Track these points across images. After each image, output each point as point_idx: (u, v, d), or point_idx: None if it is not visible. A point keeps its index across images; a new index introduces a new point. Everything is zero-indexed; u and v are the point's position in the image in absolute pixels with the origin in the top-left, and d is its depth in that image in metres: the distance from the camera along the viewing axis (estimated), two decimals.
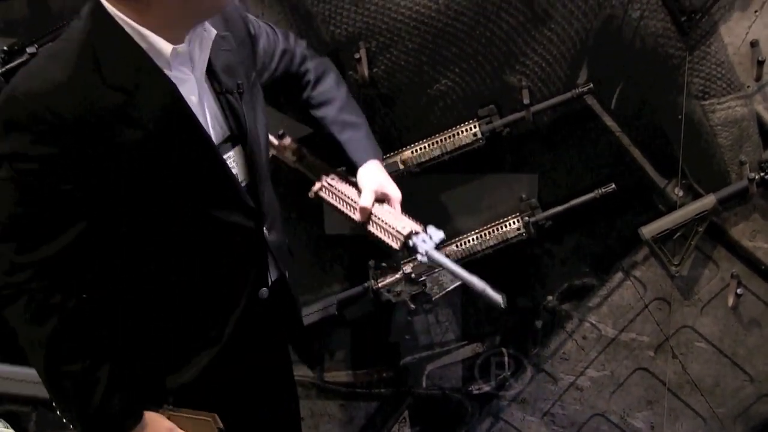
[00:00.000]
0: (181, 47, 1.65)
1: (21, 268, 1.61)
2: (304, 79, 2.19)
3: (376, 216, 2.05)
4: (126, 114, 1.57)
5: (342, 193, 2.15)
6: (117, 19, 1.58)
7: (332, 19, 2.54)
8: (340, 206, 2.16)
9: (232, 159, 1.81)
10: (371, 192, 2.06)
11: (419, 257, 1.90)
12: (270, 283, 1.97)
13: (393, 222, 2.00)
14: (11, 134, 1.54)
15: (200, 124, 1.69)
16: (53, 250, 1.60)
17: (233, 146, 1.82)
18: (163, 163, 1.64)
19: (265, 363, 2.06)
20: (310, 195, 2.21)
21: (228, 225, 1.79)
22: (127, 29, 1.59)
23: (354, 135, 2.16)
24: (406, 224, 1.97)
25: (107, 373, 1.71)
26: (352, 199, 2.12)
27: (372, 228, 2.06)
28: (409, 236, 1.92)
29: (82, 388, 1.70)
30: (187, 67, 1.69)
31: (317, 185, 2.20)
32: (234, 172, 1.80)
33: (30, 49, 2.37)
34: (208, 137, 1.72)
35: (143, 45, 1.60)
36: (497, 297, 1.83)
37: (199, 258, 1.79)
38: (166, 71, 1.64)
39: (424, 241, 1.89)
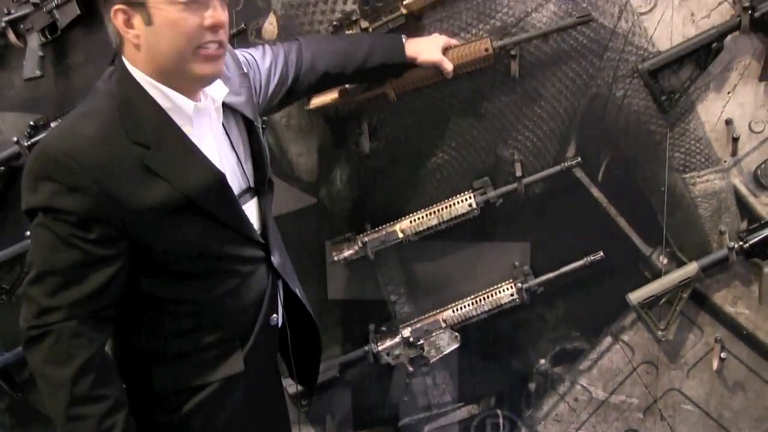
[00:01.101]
0: (202, 103, 1.72)
1: (50, 310, 1.61)
2: (317, 71, 2.23)
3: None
4: (149, 168, 1.62)
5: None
6: (140, 80, 1.66)
7: None
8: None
9: (251, 208, 1.87)
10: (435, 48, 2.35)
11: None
12: (281, 309, 1.99)
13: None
14: (44, 187, 1.58)
15: (221, 176, 1.72)
16: (83, 293, 1.61)
17: (251, 197, 1.89)
18: (184, 214, 1.67)
19: (267, 392, 2.05)
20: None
21: (241, 260, 1.82)
22: (149, 90, 1.66)
23: (372, 48, 2.29)
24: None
25: (124, 417, 1.69)
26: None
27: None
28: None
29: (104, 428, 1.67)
30: (206, 122, 1.75)
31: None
32: (251, 221, 1.85)
33: (54, 124, 2.43)
34: (230, 190, 1.76)
35: (165, 104, 1.67)
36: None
37: (214, 289, 1.79)
38: (187, 128, 1.70)
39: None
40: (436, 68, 2.37)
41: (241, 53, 2.06)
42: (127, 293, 1.72)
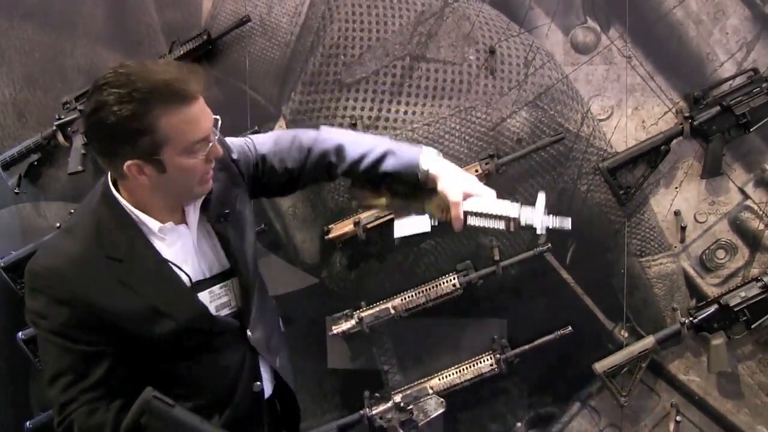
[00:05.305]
0: (169, 224, 1.63)
1: (67, 404, 1.58)
2: (325, 160, 1.82)
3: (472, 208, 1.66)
4: (121, 280, 1.57)
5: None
6: (121, 202, 1.59)
7: (336, 189, 2.65)
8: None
9: (228, 288, 1.75)
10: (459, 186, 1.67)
11: (539, 230, 1.61)
12: (266, 378, 1.86)
13: (493, 207, 1.64)
14: (36, 298, 1.56)
15: (182, 281, 1.65)
16: (90, 383, 1.58)
17: (229, 277, 1.76)
18: (153, 322, 1.61)
19: None
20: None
21: (211, 341, 1.73)
22: (128, 210, 1.59)
23: (395, 152, 1.75)
24: (506, 205, 1.64)
25: None
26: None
27: (472, 220, 1.65)
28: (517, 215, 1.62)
29: None
30: (182, 226, 1.67)
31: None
32: (227, 299, 1.74)
33: None
34: (199, 303, 1.68)
35: (137, 221, 1.60)
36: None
37: (187, 362, 1.71)
38: (158, 240, 1.62)
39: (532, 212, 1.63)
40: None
41: (243, 140, 1.86)
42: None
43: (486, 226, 1.65)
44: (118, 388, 1.61)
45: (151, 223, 1.61)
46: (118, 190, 1.61)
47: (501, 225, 1.64)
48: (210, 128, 1.55)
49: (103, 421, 1.58)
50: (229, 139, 1.81)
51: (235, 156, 1.79)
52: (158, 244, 1.63)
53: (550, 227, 1.61)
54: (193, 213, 1.69)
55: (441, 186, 1.68)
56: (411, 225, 1.80)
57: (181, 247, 1.67)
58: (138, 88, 1.45)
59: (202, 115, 1.53)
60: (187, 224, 1.69)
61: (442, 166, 1.71)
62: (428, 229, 1.80)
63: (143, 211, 1.60)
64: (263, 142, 1.87)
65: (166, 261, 1.63)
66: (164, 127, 1.47)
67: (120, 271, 1.57)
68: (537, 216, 1.61)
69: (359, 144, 1.79)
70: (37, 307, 1.57)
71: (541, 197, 1.62)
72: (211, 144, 1.55)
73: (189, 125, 1.50)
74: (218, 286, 1.74)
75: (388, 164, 1.74)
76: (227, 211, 1.73)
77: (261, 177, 1.85)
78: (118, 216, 1.59)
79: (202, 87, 1.52)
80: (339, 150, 1.80)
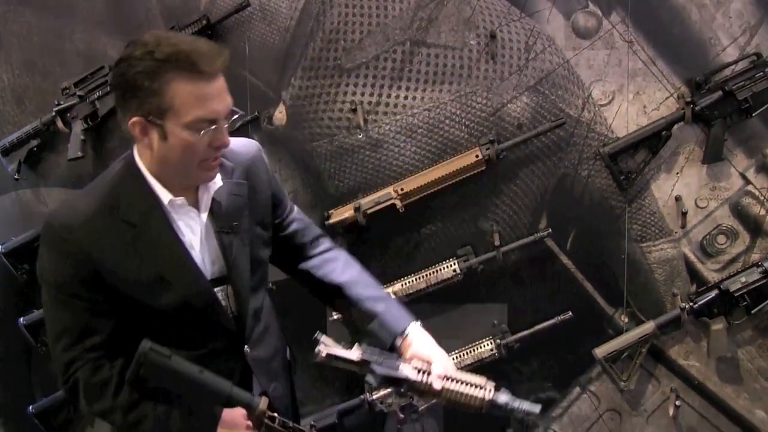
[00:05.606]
0: (180, 200, 1.62)
1: (71, 362, 1.60)
2: (327, 267, 1.88)
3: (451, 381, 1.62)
4: (132, 246, 1.58)
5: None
6: (142, 170, 1.60)
7: (336, 175, 2.63)
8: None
9: (224, 293, 1.71)
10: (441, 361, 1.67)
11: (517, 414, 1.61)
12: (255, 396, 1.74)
13: (469, 383, 1.62)
14: (47, 252, 1.59)
15: (193, 260, 1.65)
16: (93, 343, 1.60)
17: (226, 283, 1.72)
18: (157, 291, 1.61)
19: None
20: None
21: (208, 340, 1.70)
22: (148, 179, 1.60)
23: (389, 305, 1.79)
24: (480, 381, 1.61)
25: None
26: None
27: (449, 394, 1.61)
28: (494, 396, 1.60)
29: (161, 413, 1.61)
30: (194, 211, 1.66)
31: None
32: (225, 304, 1.71)
33: None
34: (200, 273, 1.66)
35: (155, 190, 1.61)
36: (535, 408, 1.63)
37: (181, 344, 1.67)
38: (174, 214, 1.63)
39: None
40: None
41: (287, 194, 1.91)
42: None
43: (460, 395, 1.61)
44: (122, 349, 1.62)
45: (163, 194, 1.61)
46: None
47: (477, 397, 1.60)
48: (221, 113, 1.54)
49: (108, 377, 1.60)
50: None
51: (274, 190, 1.84)
52: (172, 219, 1.64)
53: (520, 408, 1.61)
54: (204, 206, 1.69)
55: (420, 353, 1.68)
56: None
57: (192, 232, 1.67)
58: (161, 49, 1.48)
59: (215, 96, 1.53)
60: (198, 212, 1.68)
61: (421, 340, 1.73)
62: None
63: (159, 182, 1.61)
64: (300, 218, 1.93)
65: (176, 233, 1.64)
66: (173, 93, 1.48)
67: (132, 235, 1.59)
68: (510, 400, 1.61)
69: (367, 277, 1.86)
70: (47, 261, 1.59)
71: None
72: (216, 128, 1.54)
73: (198, 101, 1.50)
74: (217, 288, 1.71)
75: (381, 306, 1.78)
76: (235, 223, 1.71)
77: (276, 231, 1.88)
78: (138, 183, 1.61)
79: (222, 68, 1.53)
80: (339, 288, 1.83)
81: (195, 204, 1.67)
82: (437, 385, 1.61)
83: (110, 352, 1.62)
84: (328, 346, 1.62)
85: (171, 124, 1.51)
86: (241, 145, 1.78)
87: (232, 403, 1.60)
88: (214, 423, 1.62)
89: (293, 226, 1.90)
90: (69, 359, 1.61)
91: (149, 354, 1.51)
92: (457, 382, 1.61)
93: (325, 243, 1.93)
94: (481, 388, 1.60)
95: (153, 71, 1.48)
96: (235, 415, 1.63)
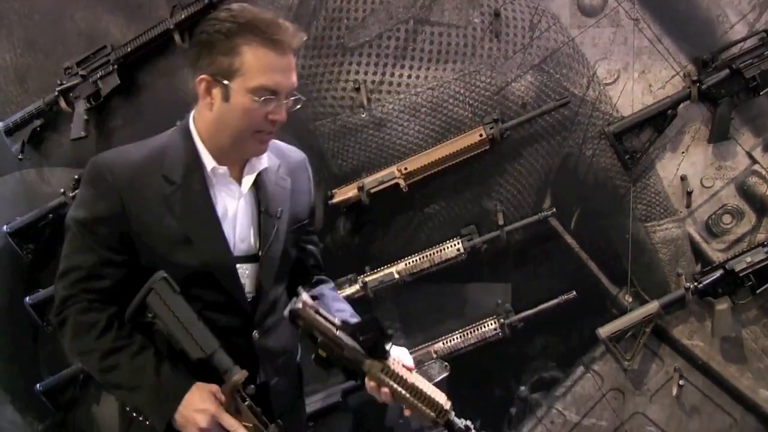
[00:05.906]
0: (222, 170, 1.66)
1: (68, 299, 1.65)
2: (317, 285, 1.94)
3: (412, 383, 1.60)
4: (166, 201, 1.62)
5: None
6: (194, 135, 1.66)
7: (340, 154, 2.62)
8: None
9: (246, 272, 1.72)
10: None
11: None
12: (258, 382, 1.73)
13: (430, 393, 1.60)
14: (85, 187, 1.65)
15: (222, 229, 1.66)
16: (97, 287, 1.64)
17: (251, 262, 1.73)
18: (178, 249, 1.64)
19: None
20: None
21: (222, 319, 1.69)
22: (195, 140, 1.66)
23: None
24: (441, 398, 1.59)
25: (152, 353, 1.64)
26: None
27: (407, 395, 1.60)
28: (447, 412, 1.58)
29: (135, 367, 1.62)
30: (235, 185, 1.70)
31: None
32: (245, 282, 1.71)
33: None
34: (225, 243, 1.67)
35: (201, 155, 1.66)
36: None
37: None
38: (215, 182, 1.67)
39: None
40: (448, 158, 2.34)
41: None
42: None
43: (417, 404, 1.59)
44: (119, 300, 1.66)
45: (208, 161, 1.66)
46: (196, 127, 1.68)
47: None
48: (284, 87, 1.61)
49: (97, 319, 1.65)
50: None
51: (311, 199, 1.92)
52: (211, 185, 1.68)
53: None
54: (246, 184, 1.72)
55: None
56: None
57: (227, 204, 1.71)
58: (244, 14, 1.58)
59: (282, 70, 1.60)
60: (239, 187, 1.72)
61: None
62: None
63: (207, 150, 1.67)
64: (317, 242, 2.01)
65: (212, 200, 1.67)
66: (244, 57, 1.55)
67: (169, 192, 1.63)
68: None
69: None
70: (82, 196, 1.65)
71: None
72: (276, 100, 1.60)
73: (266, 69, 1.57)
74: (239, 265, 1.72)
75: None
76: (280, 209, 1.76)
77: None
78: (187, 145, 1.67)
79: (295, 47, 1.61)
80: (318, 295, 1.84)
81: (238, 179, 1.72)
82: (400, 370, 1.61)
83: (109, 298, 1.66)
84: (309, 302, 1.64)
85: (236, 86, 1.57)
86: (290, 149, 1.88)
87: (212, 361, 1.61)
88: (182, 390, 1.63)
89: (309, 247, 1.96)
90: (68, 294, 1.66)
91: (161, 282, 1.58)
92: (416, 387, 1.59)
93: (324, 276, 2.01)
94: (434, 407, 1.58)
95: (231, 32, 1.55)
96: (205, 390, 1.63)
